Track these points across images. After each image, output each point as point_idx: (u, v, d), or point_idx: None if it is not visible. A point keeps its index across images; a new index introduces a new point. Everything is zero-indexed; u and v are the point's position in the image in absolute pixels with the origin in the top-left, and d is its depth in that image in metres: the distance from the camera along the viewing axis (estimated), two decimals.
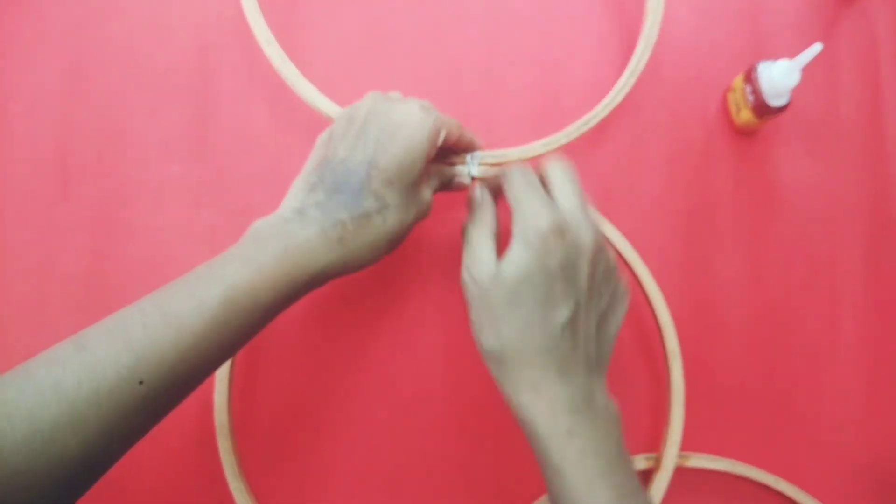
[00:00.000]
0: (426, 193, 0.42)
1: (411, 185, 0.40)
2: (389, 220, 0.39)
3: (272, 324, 0.38)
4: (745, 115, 0.52)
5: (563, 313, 0.36)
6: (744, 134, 0.55)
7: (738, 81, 0.53)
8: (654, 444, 0.51)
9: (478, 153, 0.47)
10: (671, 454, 0.48)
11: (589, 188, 0.53)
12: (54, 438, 0.29)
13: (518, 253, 0.37)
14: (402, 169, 0.39)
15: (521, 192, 0.39)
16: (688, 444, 0.50)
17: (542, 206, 0.37)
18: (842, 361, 0.53)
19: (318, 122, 0.54)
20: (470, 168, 0.47)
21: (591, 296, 0.37)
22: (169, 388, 0.33)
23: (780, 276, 0.54)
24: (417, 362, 0.51)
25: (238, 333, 0.35)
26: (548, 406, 0.35)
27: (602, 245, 0.39)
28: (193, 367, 0.33)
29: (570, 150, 0.54)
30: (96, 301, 0.51)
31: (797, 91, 0.50)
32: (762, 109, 0.51)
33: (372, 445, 0.50)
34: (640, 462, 0.49)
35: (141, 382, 0.31)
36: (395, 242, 0.40)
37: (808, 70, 0.49)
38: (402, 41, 0.55)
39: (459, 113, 0.54)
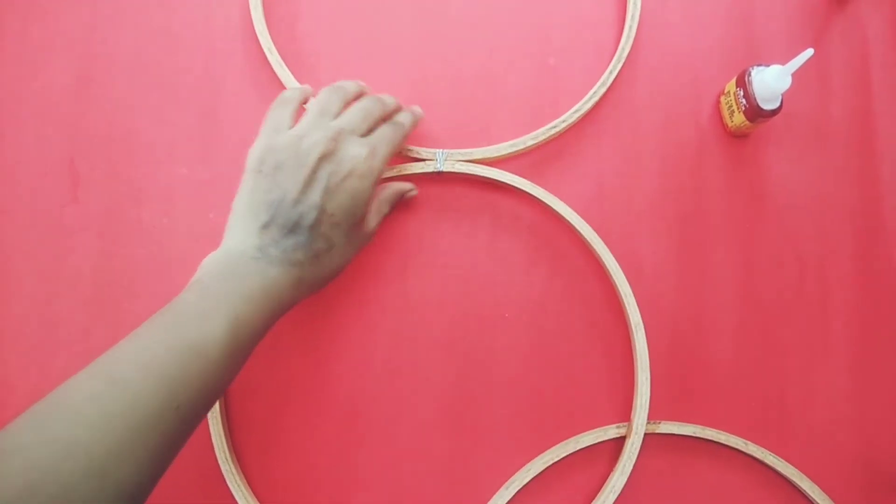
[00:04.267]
0: (372, 224, 0.48)
1: (356, 225, 0.45)
2: (336, 259, 0.45)
3: None
4: (737, 119, 0.53)
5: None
6: (736, 137, 0.56)
7: (730, 85, 0.54)
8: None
9: (447, 151, 0.52)
10: (641, 419, 0.49)
11: (584, 188, 0.55)
12: (109, 470, 0.30)
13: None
14: (348, 213, 0.44)
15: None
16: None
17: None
18: (832, 359, 0.54)
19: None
20: (438, 164, 0.51)
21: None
22: (197, 409, 0.36)
23: (772, 277, 0.55)
24: (414, 354, 0.52)
25: (241, 358, 0.40)
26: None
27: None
28: (214, 389, 0.37)
29: (564, 153, 0.55)
30: (105, 300, 0.52)
31: (789, 95, 0.51)
32: (755, 113, 0.52)
33: (367, 433, 0.51)
34: (613, 430, 0.51)
35: (177, 408, 0.34)
36: (341, 272, 0.46)
37: (799, 74, 0.50)
38: (401, 46, 0.56)
39: (458, 113, 0.55)
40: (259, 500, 0.49)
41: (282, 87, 0.51)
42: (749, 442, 0.51)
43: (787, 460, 0.51)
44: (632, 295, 0.51)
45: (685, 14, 0.58)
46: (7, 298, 0.52)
